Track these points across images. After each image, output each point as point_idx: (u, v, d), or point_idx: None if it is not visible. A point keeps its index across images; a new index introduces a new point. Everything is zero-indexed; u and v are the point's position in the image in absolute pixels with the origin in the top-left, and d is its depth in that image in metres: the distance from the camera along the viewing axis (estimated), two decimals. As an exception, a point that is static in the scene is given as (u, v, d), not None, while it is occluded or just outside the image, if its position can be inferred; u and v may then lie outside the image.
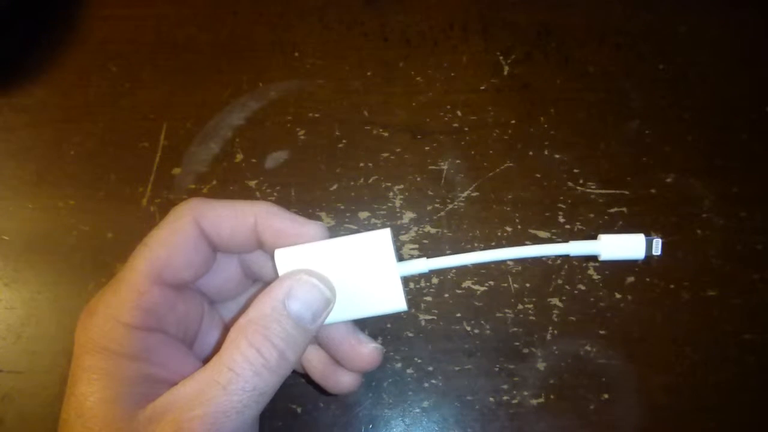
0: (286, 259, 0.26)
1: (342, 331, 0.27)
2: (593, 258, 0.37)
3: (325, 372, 0.29)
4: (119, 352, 0.24)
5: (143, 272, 0.25)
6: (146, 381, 0.24)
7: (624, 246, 0.25)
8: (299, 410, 0.35)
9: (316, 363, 0.29)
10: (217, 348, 0.23)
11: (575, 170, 0.39)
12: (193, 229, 0.26)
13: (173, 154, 0.39)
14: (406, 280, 0.37)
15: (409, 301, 0.36)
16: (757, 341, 0.36)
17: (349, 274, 0.26)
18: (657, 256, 0.25)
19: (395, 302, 0.26)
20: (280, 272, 0.26)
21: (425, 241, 0.37)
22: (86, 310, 0.25)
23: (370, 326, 0.36)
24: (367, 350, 0.27)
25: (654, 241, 0.25)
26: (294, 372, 0.31)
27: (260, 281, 0.30)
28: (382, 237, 0.26)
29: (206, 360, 0.23)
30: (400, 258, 0.37)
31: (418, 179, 0.39)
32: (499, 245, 0.37)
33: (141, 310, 0.25)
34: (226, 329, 0.24)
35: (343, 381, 0.28)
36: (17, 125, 0.40)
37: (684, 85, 0.40)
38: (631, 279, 0.37)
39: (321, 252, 0.26)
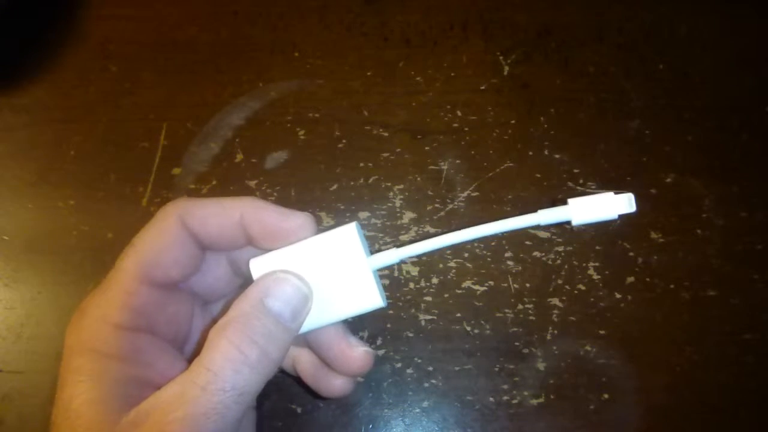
0: (260, 267, 0.26)
1: (332, 334, 0.27)
2: (593, 258, 0.37)
3: (316, 376, 0.29)
4: (107, 352, 0.24)
5: (131, 272, 0.25)
6: (133, 383, 0.24)
7: (595, 207, 0.23)
8: (299, 410, 0.35)
9: (307, 367, 0.29)
10: (201, 347, 0.23)
11: (575, 170, 0.39)
12: (179, 228, 0.26)
13: (173, 154, 0.39)
14: (405, 282, 0.37)
15: (409, 302, 0.36)
16: (757, 341, 0.36)
17: (324, 275, 0.25)
18: (633, 213, 0.23)
19: (370, 299, 0.25)
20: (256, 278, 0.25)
21: (425, 241, 0.37)
22: (77, 312, 0.25)
23: (370, 326, 0.36)
24: (358, 354, 0.27)
25: (626, 197, 0.23)
26: (288, 375, 0.31)
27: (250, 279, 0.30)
28: (349, 232, 0.25)
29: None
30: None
31: (418, 179, 0.39)
32: (498, 244, 0.37)
33: (129, 310, 0.25)
34: (210, 327, 0.24)
35: (335, 385, 0.28)
36: (17, 125, 0.40)
37: (684, 85, 0.40)
38: (631, 279, 0.37)
39: (294, 255, 0.26)
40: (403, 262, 0.26)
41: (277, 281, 0.24)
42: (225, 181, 0.39)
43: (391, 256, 0.25)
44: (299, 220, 0.26)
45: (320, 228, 0.38)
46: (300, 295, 0.25)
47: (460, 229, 0.24)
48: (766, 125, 0.39)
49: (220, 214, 0.26)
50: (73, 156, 0.40)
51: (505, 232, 0.24)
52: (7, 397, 0.35)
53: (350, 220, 0.38)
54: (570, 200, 0.24)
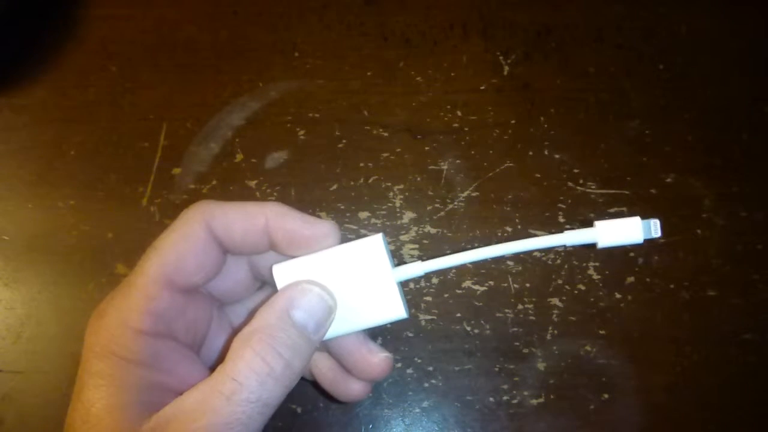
0: (284, 273, 0.26)
1: (352, 339, 0.27)
2: (593, 258, 0.37)
3: (335, 380, 0.29)
4: (127, 357, 0.24)
5: (153, 277, 0.25)
6: (153, 389, 0.24)
7: (621, 231, 0.24)
8: (299, 410, 0.35)
9: (326, 371, 0.29)
10: (223, 354, 0.23)
11: (575, 170, 0.39)
12: (203, 232, 0.26)
13: (173, 154, 0.39)
14: (405, 282, 0.37)
15: (409, 303, 0.36)
16: (757, 341, 0.36)
17: (347, 285, 0.25)
18: (658, 237, 0.24)
19: (394, 310, 0.25)
20: (279, 286, 0.25)
21: (425, 241, 0.37)
22: (96, 314, 0.25)
23: (370, 326, 0.36)
24: (378, 359, 0.27)
25: (652, 222, 0.24)
26: (302, 378, 0.31)
27: (268, 283, 0.30)
28: (375, 243, 0.25)
29: (214, 366, 0.23)
30: (400, 259, 0.37)
31: (418, 179, 0.39)
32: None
33: (151, 315, 0.24)
34: (234, 334, 0.24)
35: (353, 389, 0.28)
36: (17, 125, 0.40)
37: (684, 85, 0.40)
38: (631, 279, 0.37)
39: (318, 264, 0.26)
40: (427, 274, 0.26)
41: (302, 292, 0.24)
42: (225, 181, 0.39)
43: (417, 268, 0.25)
44: (324, 228, 0.26)
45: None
46: (324, 307, 0.25)
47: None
48: (766, 125, 0.39)
49: (245, 219, 0.26)
50: (73, 156, 0.40)
51: (531, 251, 0.25)
52: (7, 397, 0.35)
53: (350, 220, 0.38)
54: (597, 223, 0.24)
